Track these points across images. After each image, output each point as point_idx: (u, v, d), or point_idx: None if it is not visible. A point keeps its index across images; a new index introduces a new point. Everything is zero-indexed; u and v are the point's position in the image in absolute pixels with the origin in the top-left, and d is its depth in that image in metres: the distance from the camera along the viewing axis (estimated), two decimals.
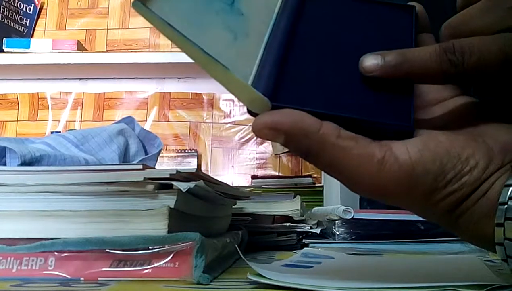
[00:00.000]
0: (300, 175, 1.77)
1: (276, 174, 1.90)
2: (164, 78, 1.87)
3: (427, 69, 0.32)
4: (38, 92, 2.01)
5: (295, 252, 0.59)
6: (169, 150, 1.93)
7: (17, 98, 2.03)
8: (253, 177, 1.69)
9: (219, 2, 0.34)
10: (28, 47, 1.75)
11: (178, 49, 0.31)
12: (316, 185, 1.59)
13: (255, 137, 1.88)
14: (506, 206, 0.29)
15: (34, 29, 2.03)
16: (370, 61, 0.33)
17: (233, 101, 1.91)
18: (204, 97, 1.99)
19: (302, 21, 0.37)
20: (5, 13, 1.90)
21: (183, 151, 1.94)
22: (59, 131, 1.70)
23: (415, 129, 0.32)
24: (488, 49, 0.31)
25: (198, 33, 0.31)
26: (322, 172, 1.66)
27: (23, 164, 0.54)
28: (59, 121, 2.02)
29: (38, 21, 2.05)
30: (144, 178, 0.40)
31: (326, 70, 0.35)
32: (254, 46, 0.34)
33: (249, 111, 0.32)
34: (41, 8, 2.05)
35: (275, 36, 0.35)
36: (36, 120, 2.03)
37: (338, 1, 0.39)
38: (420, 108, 0.35)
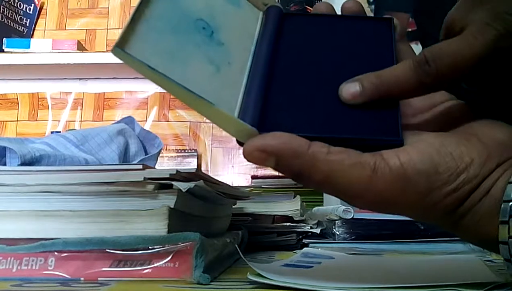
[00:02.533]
0: None
1: (276, 173, 1.90)
2: None
3: (405, 85, 0.33)
4: (38, 92, 2.01)
5: (295, 252, 0.59)
6: (169, 150, 1.93)
7: (17, 98, 2.03)
8: (253, 177, 1.69)
9: (198, 34, 0.34)
10: (28, 47, 1.75)
11: None
12: None
13: None
14: (511, 203, 0.29)
15: (34, 29, 2.03)
16: (349, 90, 0.34)
17: None
18: None
19: (282, 43, 0.37)
20: (5, 13, 1.90)
21: (183, 151, 1.93)
22: (59, 131, 1.70)
23: (403, 141, 0.32)
24: (457, 50, 0.32)
25: (180, 69, 0.31)
26: None
27: (23, 164, 0.54)
28: (59, 121, 2.02)
29: (38, 21, 2.05)
30: (144, 178, 0.40)
31: (310, 93, 0.35)
32: (237, 74, 0.34)
33: (238, 142, 0.32)
34: (41, 8, 2.05)
35: (258, 62, 0.35)
36: (36, 120, 2.03)
37: (315, 20, 0.40)
38: (410, 115, 0.35)
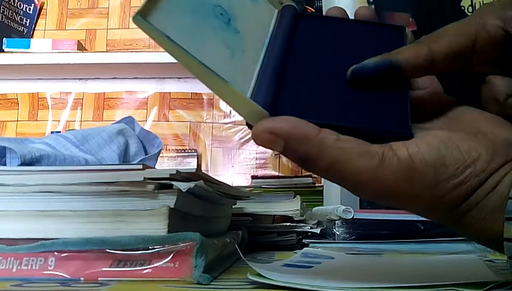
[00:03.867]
0: (300, 175, 1.77)
1: (276, 174, 1.90)
2: (164, 78, 1.87)
3: (411, 56, 0.34)
4: (38, 92, 2.01)
5: (295, 252, 0.59)
6: (169, 150, 1.93)
7: (17, 98, 2.03)
8: (253, 177, 1.69)
9: (216, 19, 0.35)
10: (28, 47, 1.75)
11: None
12: (316, 185, 1.59)
13: None
14: None
15: (34, 29, 2.03)
16: (357, 67, 0.35)
17: None
18: (204, 97, 1.99)
19: (296, 40, 0.38)
20: (5, 13, 1.90)
21: (183, 151, 1.93)
22: (59, 131, 1.70)
23: (413, 134, 0.32)
24: (453, 28, 0.35)
25: (197, 47, 0.32)
26: None
27: (23, 164, 0.54)
28: (59, 121, 2.02)
29: (38, 21, 2.05)
30: (144, 178, 0.40)
31: (322, 84, 0.35)
32: (250, 62, 0.35)
33: (247, 124, 0.32)
34: (41, 8, 2.05)
35: (271, 53, 0.36)
36: (36, 120, 2.03)
37: (329, 21, 0.41)
38: (418, 119, 0.35)
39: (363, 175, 0.31)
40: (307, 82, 0.35)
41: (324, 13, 0.42)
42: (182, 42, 0.31)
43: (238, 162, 1.92)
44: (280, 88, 0.34)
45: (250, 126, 0.32)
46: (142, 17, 0.30)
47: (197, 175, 0.45)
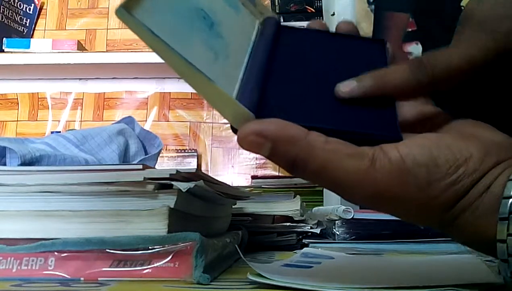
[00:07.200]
0: None
1: (276, 174, 1.90)
2: (164, 78, 1.87)
3: (402, 84, 0.34)
4: (38, 92, 2.01)
5: (295, 252, 0.59)
6: (169, 150, 1.93)
7: (17, 98, 2.03)
8: (253, 177, 1.69)
9: (199, 22, 0.34)
10: (28, 47, 1.75)
11: None
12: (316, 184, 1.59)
13: None
14: (511, 200, 0.29)
15: (34, 29, 2.03)
16: (347, 87, 0.34)
17: None
18: None
19: (280, 48, 0.38)
20: (5, 13, 1.90)
21: (183, 151, 1.93)
22: (59, 131, 1.70)
23: (402, 137, 0.32)
24: (449, 56, 0.34)
25: (181, 45, 0.31)
26: None
27: (23, 164, 0.54)
28: (59, 121, 2.02)
29: (38, 21, 2.05)
30: (144, 178, 0.40)
31: (308, 89, 0.35)
32: (234, 67, 0.34)
33: (232, 128, 0.31)
34: (41, 8, 2.05)
35: (255, 60, 0.36)
36: (36, 120, 2.03)
37: (311, 34, 0.41)
38: (404, 128, 0.35)
39: (353, 176, 0.30)
40: (293, 87, 0.35)
41: (318, 19, 0.42)
42: (166, 38, 0.30)
43: (238, 162, 1.92)
44: (265, 91, 0.33)
45: (234, 130, 0.31)
46: (126, 10, 0.29)
47: (197, 175, 0.45)
